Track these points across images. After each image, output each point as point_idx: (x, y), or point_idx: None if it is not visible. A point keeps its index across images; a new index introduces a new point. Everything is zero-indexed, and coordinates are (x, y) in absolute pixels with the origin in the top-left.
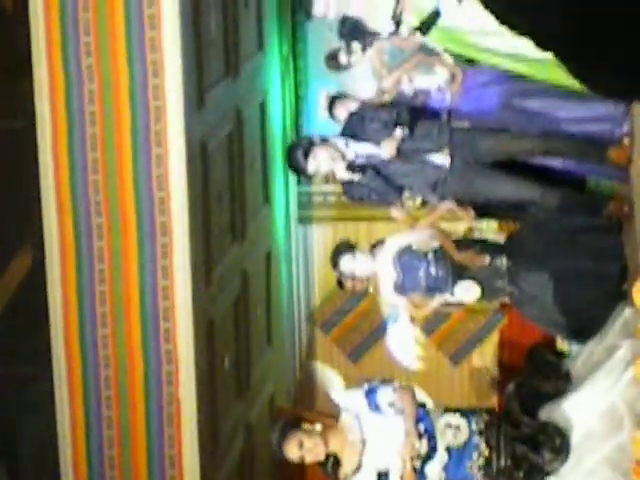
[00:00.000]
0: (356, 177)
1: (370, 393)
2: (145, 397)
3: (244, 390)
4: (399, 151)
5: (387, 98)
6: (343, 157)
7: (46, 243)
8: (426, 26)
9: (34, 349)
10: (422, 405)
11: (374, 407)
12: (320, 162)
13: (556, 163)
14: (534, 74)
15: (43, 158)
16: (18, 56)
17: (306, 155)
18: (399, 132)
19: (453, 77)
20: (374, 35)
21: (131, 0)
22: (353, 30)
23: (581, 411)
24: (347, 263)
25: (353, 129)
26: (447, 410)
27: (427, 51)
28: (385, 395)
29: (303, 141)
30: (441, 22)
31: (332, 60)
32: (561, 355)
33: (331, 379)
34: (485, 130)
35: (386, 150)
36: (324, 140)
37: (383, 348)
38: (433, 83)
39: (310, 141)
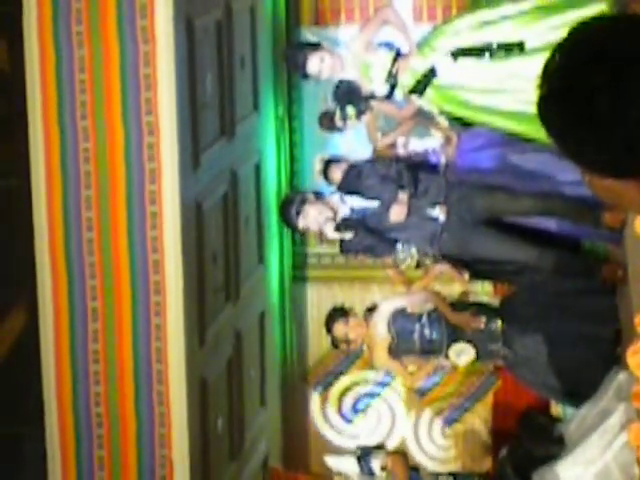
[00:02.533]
0: (347, 236)
1: (363, 458)
2: (137, 459)
3: (237, 451)
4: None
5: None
6: (335, 216)
7: (39, 303)
8: (421, 87)
9: (27, 408)
10: (415, 469)
11: (367, 471)
12: (310, 221)
13: (551, 224)
14: (530, 132)
15: (37, 217)
16: (13, 114)
17: (298, 212)
18: (404, 196)
19: (448, 140)
20: (369, 99)
21: (127, 60)
22: (347, 94)
23: (574, 475)
24: (340, 329)
25: (350, 184)
26: (440, 474)
27: (422, 114)
28: (378, 459)
29: (296, 197)
30: (436, 81)
31: (326, 120)
32: (555, 419)
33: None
34: (482, 188)
35: (396, 216)
36: (318, 196)
37: (377, 409)
38: (428, 146)
39: (303, 198)
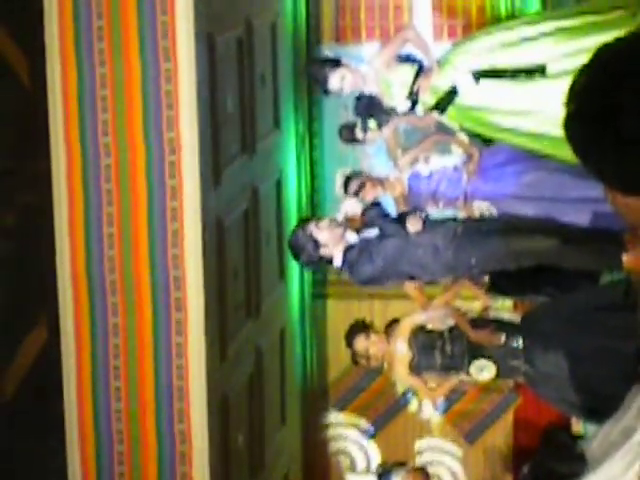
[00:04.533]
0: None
1: (384, 476)
2: (158, 476)
3: (258, 469)
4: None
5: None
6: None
7: (61, 320)
8: (443, 105)
9: (48, 424)
10: None
11: None
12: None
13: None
14: (554, 153)
15: (59, 235)
16: (35, 132)
17: (310, 236)
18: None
19: (470, 157)
20: (390, 113)
21: (148, 78)
22: (369, 107)
23: None
24: (361, 343)
25: (370, 221)
26: None
27: (443, 131)
28: (399, 477)
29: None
30: (458, 100)
31: (347, 132)
32: (576, 436)
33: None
34: (497, 231)
35: (413, 226)
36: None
37: (397, 426)
38: (449, 163)
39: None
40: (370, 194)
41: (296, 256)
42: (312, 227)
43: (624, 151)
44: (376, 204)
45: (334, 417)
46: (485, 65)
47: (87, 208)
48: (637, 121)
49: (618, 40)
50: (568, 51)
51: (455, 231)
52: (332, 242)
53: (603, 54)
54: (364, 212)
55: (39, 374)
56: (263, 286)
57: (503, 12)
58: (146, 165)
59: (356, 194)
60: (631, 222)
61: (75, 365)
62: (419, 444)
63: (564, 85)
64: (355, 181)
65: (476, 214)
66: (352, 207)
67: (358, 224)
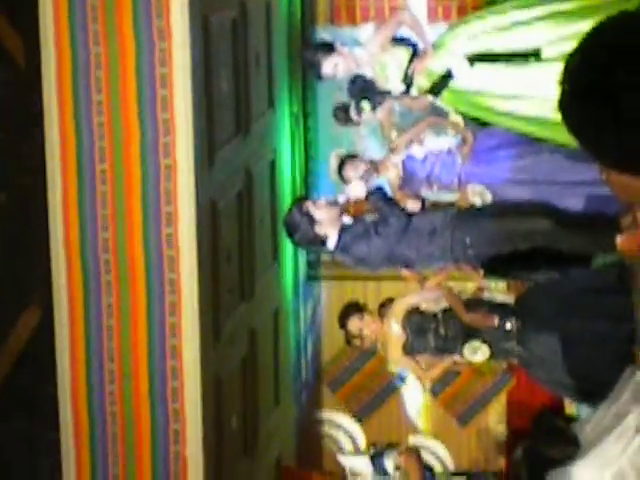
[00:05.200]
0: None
1: (376, 457)
2: (152, 455)
3: (251, 449)
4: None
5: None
6: (340, 219)
7: (55, 301)
8: (438, 88)
9: (40, 407)
10: (429, 468)
11: (381, 471)
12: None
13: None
14: (550, 137)
15: (53, 215)
16: (30, 113)
17: (307, 214)
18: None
19: (464, 140)
20: (384, 94)
21: (143, 59)
22: (363, 89)
23: (589, 477)
24: (355, 324)
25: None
26: (454, 474)
27: (438, 113)
28: (391, 459)
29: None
30: (453, 84)
31: (341, 113)
32: (569, 419)
33: (339, 439)
34: (492, 213)
35: (412, 205)
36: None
37: (391, 408)
38: (444, 145)
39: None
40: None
41: (290, 234)
42: (309, 204)
43: (620, 129)
44: (379, 188)
45: (327, 398)
46: (480, 49)
47: (81, 189)
48: (633, 99)
49: (612, 19)
50: (563, 34)
51: (452, 213)
52: (328, 221)
53: (598, 32)
54: (367, 195)
55: (32, 354)
56: (257, 267)
57: None
58: (140, 146)
59: (361, 177)
60: (625, 200)
61: (68, 345)
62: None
63: (559, 69)
64: (354, 164)
65: (471, 197)
66: (357, 190)
67: (359, 209)
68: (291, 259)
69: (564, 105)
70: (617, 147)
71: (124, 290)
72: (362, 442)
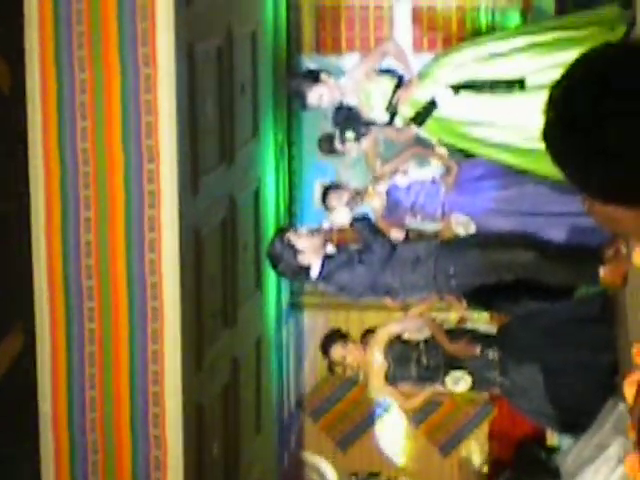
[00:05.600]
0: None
1: None
2: None
3: (232, 477)
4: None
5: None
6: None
7: (37, 326)
8: (422, 117)
9: (22, 431)
10: None
11: None
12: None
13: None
14: (535, 168)
15: (35, 239)
16: (13, 138)
17: (289, 244)
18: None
19: (448, 170)
20: (368, 125)
21: (128, 85)
22: (347, 118)
23: None
24: (338, 351)
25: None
26: None
27: (422, 143)
28: None
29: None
30: (437, 113)
31: (326, 143)
32: (551, 450)
33: (320, 469)
34: (475, 244)
35: (395, 235)
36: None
37: (373, 437)
38: (428, 175)
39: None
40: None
41: (274, 265)
42: (290, 234)
43: (606, 159)
44: (364, 216)
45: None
46: (464, 78)
47: (64, 214)
48: (620, 129)
49: (598, 49)
50: (546, 64)
51: (436, 243)
52: (310, 250)
53: (585, 62)
54: (352, 223)
55: (15, 380)
56: (240, 295)
57: (483, 25)
58: (124, 172)
59: (347, 204)
60: (610, 230)
61: (50, 371)
62: None
63: (544, 98)
64: (338, 193)
65: (454, 227)
66: (341, 217)
67: (343, 238)
68: (274, 287)
69: (548, 135)
70: (602, 178)
71: (106, 317)
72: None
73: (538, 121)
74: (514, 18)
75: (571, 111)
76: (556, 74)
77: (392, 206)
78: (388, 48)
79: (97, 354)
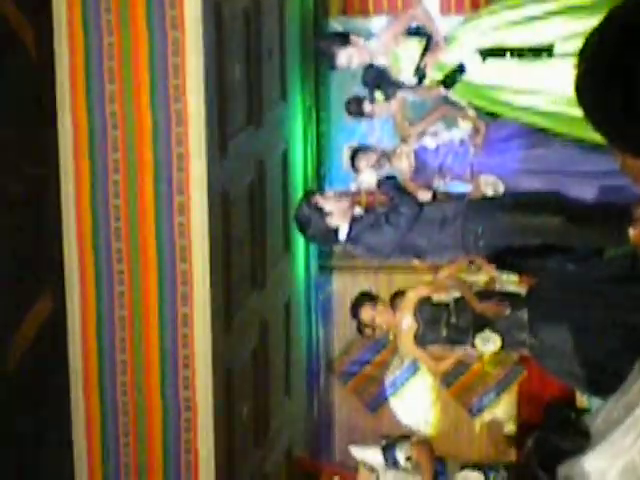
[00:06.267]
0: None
1: (388, 448)
2: (163, 444)
3: (262, 440)
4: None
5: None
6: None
7: (67, 290)
8: (450, 82)
9: (53, 394)
10: (440, 459)
11: (392, 462)
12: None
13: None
14: (566, 132)
15: (65, 205)
16: (43, 104)
17: (316, 207)
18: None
19: (476, 130)
20: (397, 85)
21: (155, 49)
22: (377, 78)
23: (600, 469)
24: (367, 313)
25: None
26: (465, 465)
27: (450, 104)
28: (403, 450)
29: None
30: (465, 78)
31: (354, 105)
32: (581, 411)
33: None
34: (501, 206)
35: (423, 196)
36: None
37: (401, 399)
38: (456, 136)
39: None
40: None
41: (303, 230)
42: (317, 197)
43: (636, 112)
44: (391, 177)
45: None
46: (492, 43)
47: (93, 179)
48: None
49: (626, 4)
50: (577, 30)
51: (464, 203)
52: (338, 212)
53: (616, 15)
54: (379, 184)
55: (44, 345)
56: (268, 258)
57: None
58: (153, 135)
59: (373, 166)
60: None
61: (80, 336)
62: None
63: (572, 65)
64: (366, 155)
65: (483, 188)
66: (367, 178)
67: (371, 201)
68: (303, 250)
69: (579, 86)
70: (631, 132)
71: (136, 280)
72: None
73: (568, 86)
74: None
75: (601, 60)
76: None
77: (420, 167)
78: (416, 12)
79: (127, 318)
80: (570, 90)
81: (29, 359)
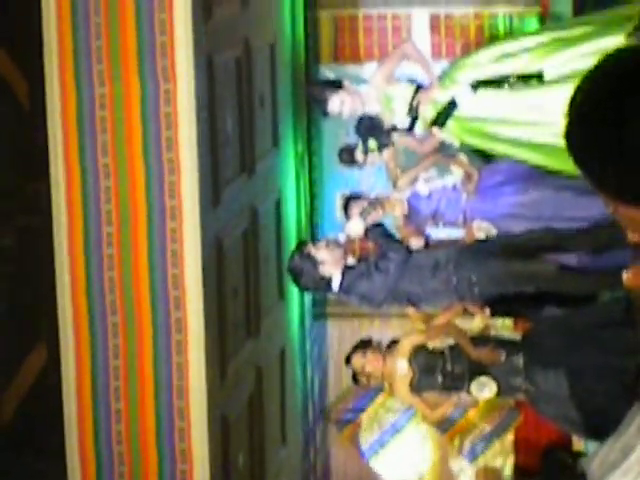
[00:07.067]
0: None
1: None
2: None
3: None
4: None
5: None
6: (344, 260)
7: (61, 341)
8: (442, 118)
9: (48, 446)
10: None
11: None
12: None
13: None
14: (554, 166)
15: (59, 255)
16: (35, 152)
17: (309, 257)
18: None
19: (469, 177)
20: (391, 132)
21: (147, 98)
22: (370, 128)
23: None
24: (358, 361)
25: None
26: None
27: (443, 151)
28: None
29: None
30: (457, 113)
31: (347, 155)
32: (577, 455)
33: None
34: (494, 253)
35: (415, 243)
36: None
37: (397, 445)
38: (449, 182)
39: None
40: (373, 217)
41: (296, 280)
42: (309, 247)
43: (626, 160)
44: (378, 224)
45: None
46: (483, 75)
47: (86, 229)
48: (636, 130)
49: (621, 50)
50: (566, 59)
51: (456, 249)
52: (330, 261)
53: (606, 63)
54: (367, 232)
55: (38, 396)
56: (263, 306)
57: (501, 32)
58: (145, 186)
59: (360, 215)
60: (634, 232)
61: (75, 386)
62: None
63: (563, 92)
64: (358, 203)
65: (476, 233)
66: (355, 227)
67: (364, 250)
68: (297, 297)
69: (569, 134)
70: (622, 180)
71: (130, 330)
72: None
73: (558, 116)
74: (532, 24)
75: (591, 109)
76: (575, 65)
77: (413, 214)
78: (406, 49)
79: (121, 368)
80: (561, 120)
81: (24, 410)
